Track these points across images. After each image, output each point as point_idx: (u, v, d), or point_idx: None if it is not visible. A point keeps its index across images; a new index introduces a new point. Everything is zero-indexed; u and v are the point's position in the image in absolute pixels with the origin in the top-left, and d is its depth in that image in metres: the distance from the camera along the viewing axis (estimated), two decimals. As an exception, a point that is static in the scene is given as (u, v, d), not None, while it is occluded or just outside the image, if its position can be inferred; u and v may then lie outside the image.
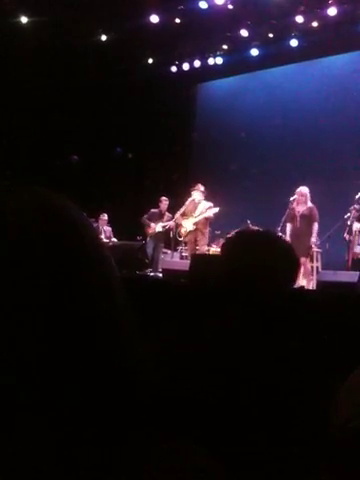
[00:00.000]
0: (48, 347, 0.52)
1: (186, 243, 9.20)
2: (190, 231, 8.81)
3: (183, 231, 8.91)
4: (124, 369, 0.56)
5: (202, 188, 9.00)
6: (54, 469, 0.49)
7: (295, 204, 8.17)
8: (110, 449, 0.52)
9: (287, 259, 1.22)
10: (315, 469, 0.98)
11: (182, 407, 1.10)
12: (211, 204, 8.87)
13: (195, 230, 8.78)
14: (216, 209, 8.75)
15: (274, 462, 1.10)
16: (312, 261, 8.44)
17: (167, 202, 9.72)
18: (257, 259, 1.19)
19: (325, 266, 8.36)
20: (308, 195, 8.12)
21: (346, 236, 8.10)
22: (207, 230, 8.95)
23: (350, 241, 8.06)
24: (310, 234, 7.96)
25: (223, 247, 1.36)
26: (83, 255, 0.56)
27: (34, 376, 0.51)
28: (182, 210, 8.92)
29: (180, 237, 9.06)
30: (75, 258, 0.55)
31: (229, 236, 1.41)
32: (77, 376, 0.53)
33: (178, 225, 9.03)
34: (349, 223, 7.83)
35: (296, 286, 7.75)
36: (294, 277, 1.27)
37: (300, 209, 8.08)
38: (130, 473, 0.51)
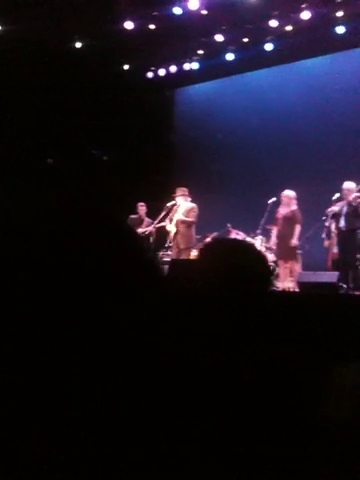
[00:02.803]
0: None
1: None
2: (174, 234, 8.88)
3: (171, 235, 8.98)
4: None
5: (185, 191, 9.07)
6: (54, 469, 0.49)
7: (280, 207, 8.22)
8: (110, 450, 0.52)
9: (258, 268, 1.26)
10: (312, 471, 0.97)
11: (170, 410, 1.10)
12: (193, 205, 8.92)
13: (176, 233, 8.83)
14: (192, 205, 8.81)
15: (271, 463, 1.10)
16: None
17: (144, 207, 9.75)
18: (231, 266, 1.23)
19: (305, 267, 8.43)
20: (292, 198, 8.12)
21: (326, 241, 8.19)
22: (189, 233, 8.93)
23: (330, 244, 8.16)
24: (292, 236, 7.97)
25: (200, 253, 1.39)
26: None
27: (35, 374, 0.51)
28: (169, 216, 9.01)
29: (170, 242, 9.13)
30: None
31: (206, 243, 1.47)
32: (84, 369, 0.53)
33: (168, 231, 9.10)
34: (327, 224, 7.91)
35: (282, 288, 7.82)
36: (265, 285, 1.33)
37: (283, 212, 8.13)
38: (130, 474, 0.51)
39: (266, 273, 1.32)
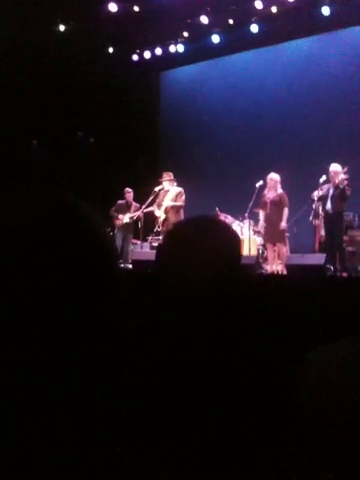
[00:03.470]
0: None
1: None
2: (164, 220, 8.87)
3: (161, 220, 8.96)
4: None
5: (171, 176, 9.04)
6: (55, 469, 0.50)
7: (266, 190, 8.21)
8: (110, 450, 0.52)
9: (225, 240, 1.19)
10: (311, 470, 0.96)
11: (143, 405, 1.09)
12: (181, 190, 8.91)
13: (166, 218, 8.82)
14: (179, 190, 8.78)
15: (270, 462, 1.09)
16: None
17: (131, 193, 9.72)
18: (195, 246, 1.16)
19: (293, 250, 8.47)
20: (278, 181, 8.14)
21: (313, 221, 8.22)
22: (179, 217, 8.91)
23: (317, 225, 8.19)
24: (281, 219, 7.99)
25: (163, 239, 1.35)
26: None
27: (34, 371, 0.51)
28: (157, 201, 8.97)
29: (159, 228, 9.09)
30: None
31: (168, 229, 1.40)
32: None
33: (156, 217, 9.06)
34: (314, 207, 7.93)
35: (271, 271, 7.85)
36: (237, 256, 1.22)
37: (270, 195, 8.13)
38: (130, 474, 0.52)
39: (234, 244, 1.21)
